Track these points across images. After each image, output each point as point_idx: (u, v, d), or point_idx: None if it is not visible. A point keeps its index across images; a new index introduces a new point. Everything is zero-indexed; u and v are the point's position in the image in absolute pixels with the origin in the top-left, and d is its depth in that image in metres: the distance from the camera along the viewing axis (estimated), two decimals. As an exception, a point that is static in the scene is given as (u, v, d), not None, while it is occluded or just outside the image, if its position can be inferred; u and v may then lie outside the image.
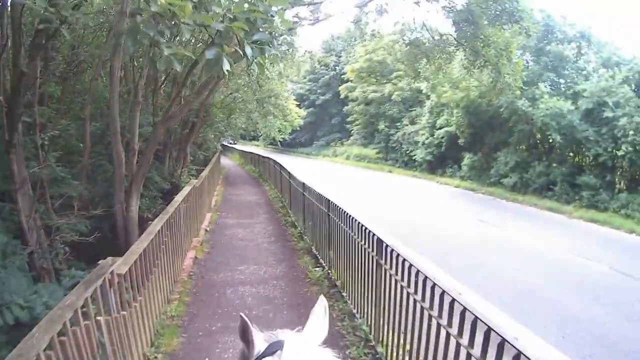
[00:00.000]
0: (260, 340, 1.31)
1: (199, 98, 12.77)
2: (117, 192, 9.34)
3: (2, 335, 4.76)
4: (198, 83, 14.25)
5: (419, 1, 17.16)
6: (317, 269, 8.15)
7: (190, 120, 18.65)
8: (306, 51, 22.86)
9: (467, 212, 17.25)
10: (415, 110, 36.20)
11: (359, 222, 5.81)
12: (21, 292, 4.94)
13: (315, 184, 10.19)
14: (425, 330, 3.75)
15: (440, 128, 29.56)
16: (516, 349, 2.45)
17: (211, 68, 3.31)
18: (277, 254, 9.71)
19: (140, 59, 11.34)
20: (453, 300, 3.25)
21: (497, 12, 17.35)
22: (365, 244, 5.48)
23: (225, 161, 37.48)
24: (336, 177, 28.91)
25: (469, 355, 3.00)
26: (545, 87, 23.30)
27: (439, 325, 3.48)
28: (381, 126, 39.24)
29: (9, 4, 6.90)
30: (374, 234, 5.19)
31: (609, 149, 18.50)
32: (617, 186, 18.45)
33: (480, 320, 2.87)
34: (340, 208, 6.90)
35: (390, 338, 4.72)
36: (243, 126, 28.52)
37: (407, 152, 34.29)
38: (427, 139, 31.27)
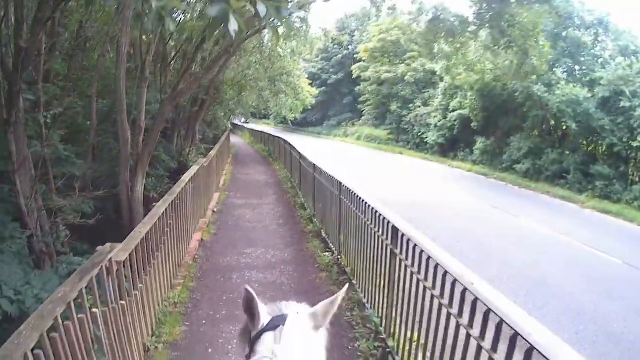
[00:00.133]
0: (264, 314, 1.34)
1: (208, 74, 12.52)
2: (122, 172, 9.17)
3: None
4: (209, 59, 13.96)
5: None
6: (326, 253, 7.96)
7: (200, 98, 18.47)
8: (320, 28, 22.57)
9: (479, 197, 17.00)
10: (428, 92, 35.72)
11: (373, 208, 5.56)
12: (12, 282, 4.69)
13: (326, 165, 9.99)
14: (442, 328, 3.49)
15: (454, 111, 29.18)
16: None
17: (215, 27, 2.84)
18: (285, 236, 9.52)
19: (150, 36, 11.07)
20: (476, 299, 2.99)
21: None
22: (379, 231, 5.22)
23: (235, 139, 37.39)
24: (347, 157, 28.72)
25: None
26: (562, 73, 22.93)
27: (458, 325, 3.22)
28: (393, 107, 38.81)
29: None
30: (389, 222, 4.93)
31: (624, 139, 18.13)
32: (631, 177, 18.13)
33: (506, 323, 2.62)
34: (353, 192, 6.66)
35: (402, 332, 4.49)
36: (254, 104, 28.30)
37: (419, 134, 34.00)
38: (439, 121, 30.99)
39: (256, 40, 17.00)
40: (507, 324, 2.58)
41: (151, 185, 11.22)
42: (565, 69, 24.18)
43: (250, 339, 1.33)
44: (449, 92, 30.29)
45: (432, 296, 3.71)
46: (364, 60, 43.85)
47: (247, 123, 51.16)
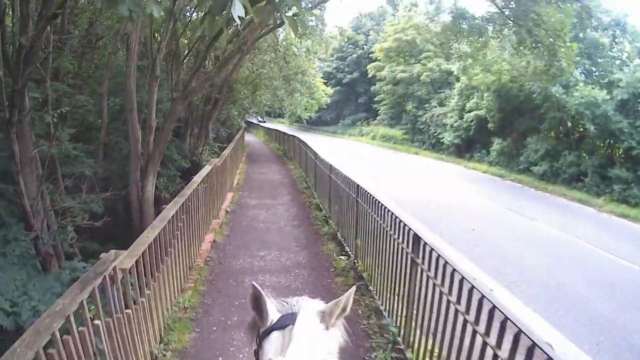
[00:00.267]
0: (273, 311, 1.31)
1: (221, 73, 12.38)
2: (133, 171, 9.05)
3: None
4: (222, 57, 13.81)
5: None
6: (342, 257, 7.76)
7: (213, 97, 18.37)
8: (335, 26, 22.58)
9: (495, 199, 16.77)
10: (444, 92, 35.38)
11: (392, 214, 5.32)
12: (9, 293, 4.50)
13: (341, 163, 9.78)
14: (466, 345, 3.26)
15: (470, 111, 28.81)
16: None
17: (216, 14, 2.31)
18: (300, 238, 9.31)
19: (162, 33, 10.95)
20: (506, 319, 2.74)
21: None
22: (399, 238, 4.99)
23: (249, 138, 37.39)
24: (362, 157, 28.58)
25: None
26: (580, 74, 22.61)
27: (484, 344, 2.98)
28: (409, 107, 38.44)
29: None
30: (409, 229, 4.69)
31: (643, 143, 17.70)
32: (649, 182, 17.68)
33: (539, 347, 2.38)
34: (371, 195, 6.44)
35: (422, 344, 4.26)
36: (268, 103, 28.25)
37: (435, 134, 33.65)
38: (455, 121, 30.64)
39: (270, 39, 16.87)
40: (540, 347, 2.37)
41: (162, 185, 11.10)
42: (583, 71, 23.95)
43: (259, 335, 1.31)
44: (465, 92, 29.93)
45: (457, 311, 3.47)
46: (379, 60, 43.51)
47: (264, 122, 51.16)
